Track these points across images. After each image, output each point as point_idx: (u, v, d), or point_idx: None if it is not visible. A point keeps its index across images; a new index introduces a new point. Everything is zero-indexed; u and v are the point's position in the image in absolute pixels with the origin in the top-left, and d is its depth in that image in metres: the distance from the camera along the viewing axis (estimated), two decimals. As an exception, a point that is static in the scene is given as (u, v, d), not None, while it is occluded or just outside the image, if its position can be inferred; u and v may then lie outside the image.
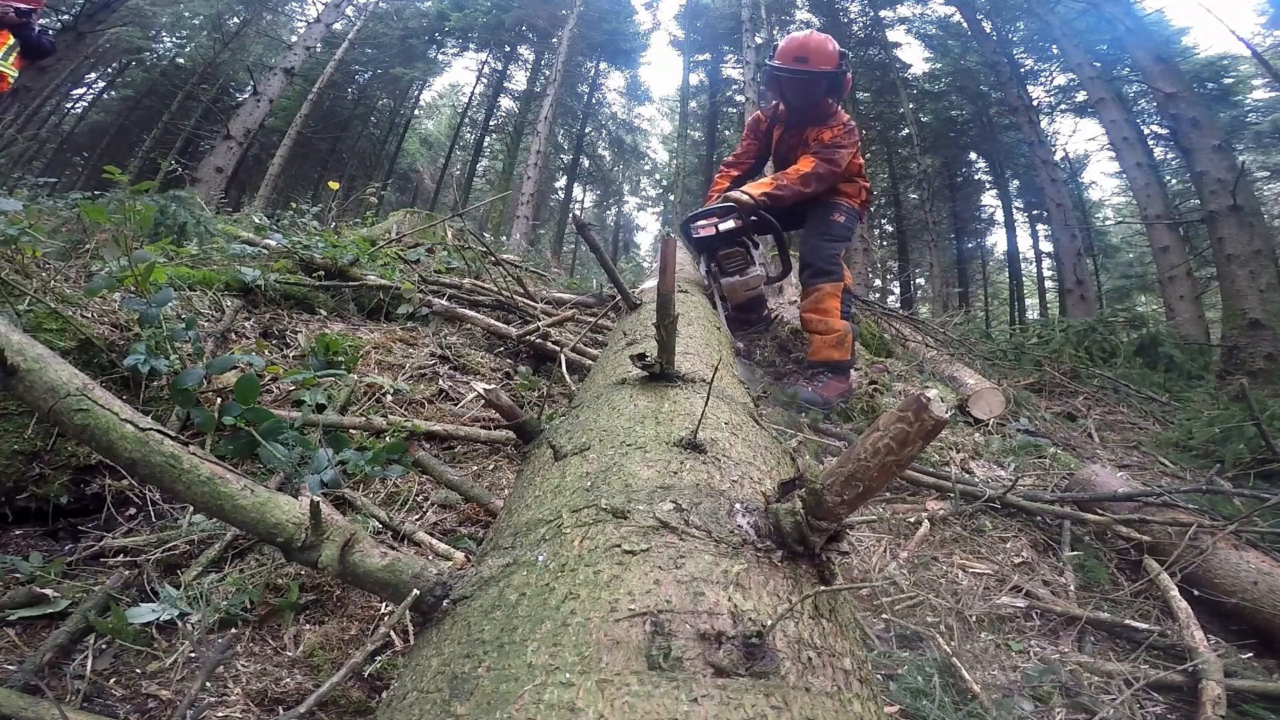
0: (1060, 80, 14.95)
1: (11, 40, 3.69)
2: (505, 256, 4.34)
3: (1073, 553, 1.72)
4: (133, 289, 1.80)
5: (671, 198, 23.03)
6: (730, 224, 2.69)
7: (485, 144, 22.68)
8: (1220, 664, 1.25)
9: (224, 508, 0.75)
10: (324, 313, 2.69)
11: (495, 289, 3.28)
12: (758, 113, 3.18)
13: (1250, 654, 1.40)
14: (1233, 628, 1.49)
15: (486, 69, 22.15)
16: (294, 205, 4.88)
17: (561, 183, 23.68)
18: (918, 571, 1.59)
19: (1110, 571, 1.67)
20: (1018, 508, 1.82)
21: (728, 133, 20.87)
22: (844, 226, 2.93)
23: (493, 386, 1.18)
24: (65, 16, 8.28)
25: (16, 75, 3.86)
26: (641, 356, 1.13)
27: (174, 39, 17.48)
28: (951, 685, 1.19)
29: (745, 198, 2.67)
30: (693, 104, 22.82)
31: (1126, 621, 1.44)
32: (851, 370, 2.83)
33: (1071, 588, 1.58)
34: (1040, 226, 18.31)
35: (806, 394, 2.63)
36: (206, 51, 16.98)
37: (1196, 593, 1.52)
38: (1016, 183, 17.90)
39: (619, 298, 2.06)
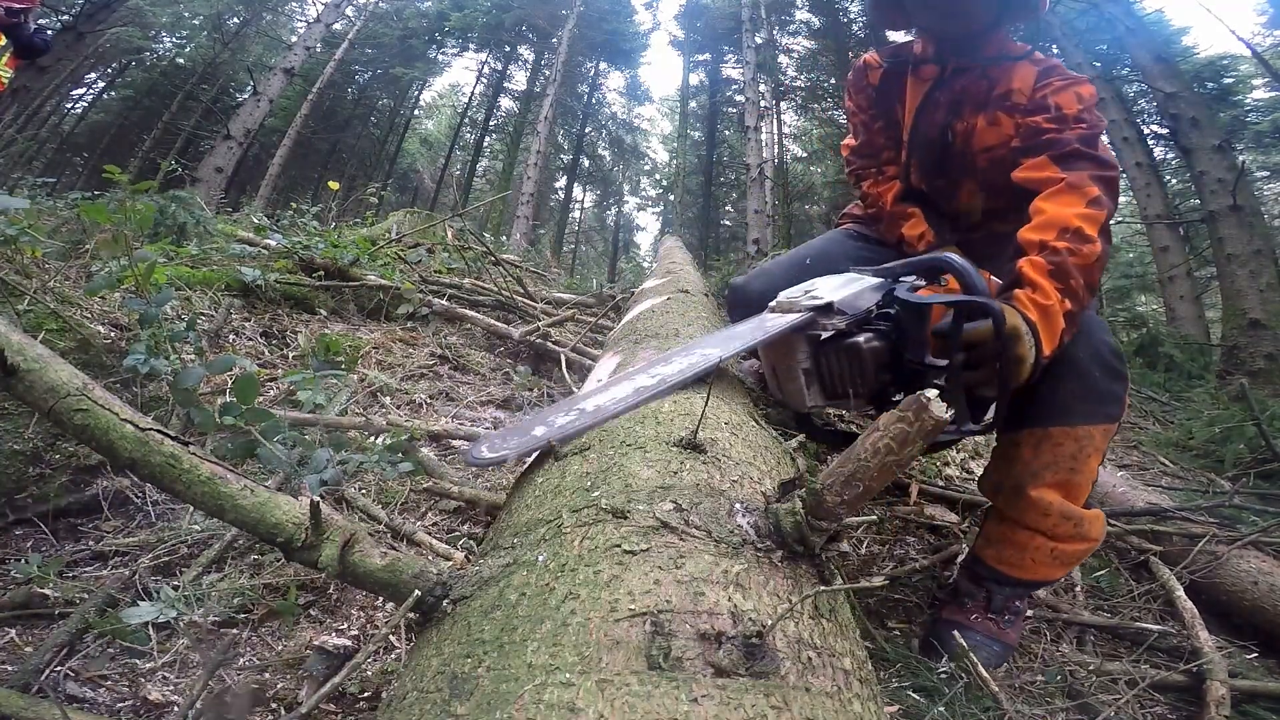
0: (1060, 80, 14.91)
1: (5, 40, 3.68)
2: (505, 256, 4.34)
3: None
4: (133, 289, 1.80)
5: (671, 198, 23.04)
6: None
7: (485, 144, 22.69)
8: (1225, 664, 1.25)
9: (224, 508, 0.75)
10: (324, 313, 2.69)
11: (495, 289, 3.28)
12: (865, 58, 1.62)
13: (1254, 655, 1.39)
14: (1235, 625, 1.49)
15: (486, 69, 22.16)
16: (294, 205, 4.88)
17: (561, 183, 23.69)
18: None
19: (1115, 567, 1.67)
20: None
21: (728, 133, 20.87)
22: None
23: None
24: (65, 16, 8.27)
25: (11, 75, 3.85)
26: (641, 356, 1.13)
27: (174, 39, 17.51)
28: (957, 690, 1.19)
29: (1024, 350, 1.00)
30: (693, 104, 22.82)
31: (1131, 622, 1.44)
32: None
33: (1079, 589, 1.58)
34: (1040, 226, 18.27)
35: (980, 641, 1.26)
36: (206, 51, 16.99)
37: (1202, 595, 1.52)
38: (1016, 183, 17.85)
39: (619, 298, 2.05)
